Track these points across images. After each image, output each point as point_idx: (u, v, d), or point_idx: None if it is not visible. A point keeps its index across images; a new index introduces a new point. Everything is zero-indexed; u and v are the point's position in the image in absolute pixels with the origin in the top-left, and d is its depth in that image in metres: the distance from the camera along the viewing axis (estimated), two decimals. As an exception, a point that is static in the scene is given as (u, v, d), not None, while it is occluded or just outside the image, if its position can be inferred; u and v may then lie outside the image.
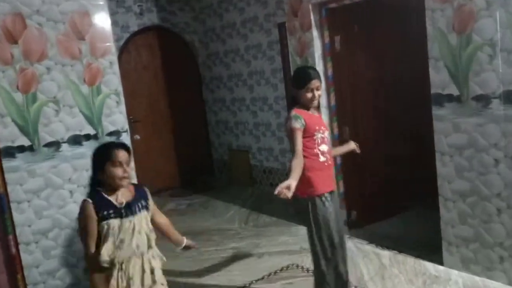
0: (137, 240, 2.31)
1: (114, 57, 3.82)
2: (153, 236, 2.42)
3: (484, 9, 2.91)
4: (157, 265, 2.41)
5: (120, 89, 3.86)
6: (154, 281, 2.36)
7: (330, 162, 2.90)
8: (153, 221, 2.47)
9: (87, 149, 3.64)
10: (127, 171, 2.32)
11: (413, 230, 4.18)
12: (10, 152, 3.37)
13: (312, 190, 2.81)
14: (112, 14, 5.81)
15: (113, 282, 2.27)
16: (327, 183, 2.87)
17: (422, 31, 3.29)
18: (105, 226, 2.26)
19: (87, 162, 3.59)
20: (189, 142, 6.90)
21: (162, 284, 2.43)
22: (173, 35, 6.61)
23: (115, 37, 5.39)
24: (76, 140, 3.63)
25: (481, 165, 3.10)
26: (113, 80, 3.82)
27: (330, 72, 4.22)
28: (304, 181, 2.78)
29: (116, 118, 3.84)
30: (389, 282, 3.35)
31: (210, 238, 4.66)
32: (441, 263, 3.46)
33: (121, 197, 2.34)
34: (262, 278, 3.64)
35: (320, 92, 2.89)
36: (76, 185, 3.64)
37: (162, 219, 2.58)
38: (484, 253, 3.20)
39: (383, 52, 4.34)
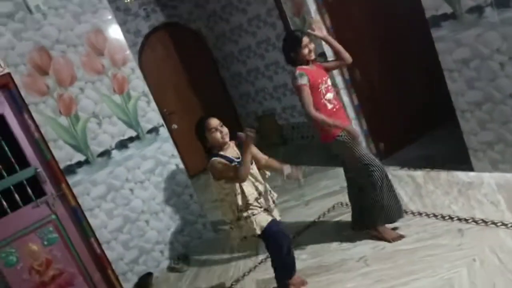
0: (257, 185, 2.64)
1: (134, 63, 3.83)
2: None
3: None
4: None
5: (146, 89, 3.88)
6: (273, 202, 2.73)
7: (337, 107, 2.93)
8: (257, 160, 2.72)
9: (134, 149, 3.74)
10: (222, 131, 2.56)
11: (440, 148, 4.04)
12: (71, 169, 3.48)
13: (330, 135, 2.87)
14: (123, 23, 5.81)
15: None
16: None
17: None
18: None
19: (137, 161, 3.76)
20: (219, 118, 6.72)
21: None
22: (180, 27, 6.49)
23: (130, 43, 5.38)
24: (122, 144, 3.70)
25: (489, 72, 2.96)
26: (138, 83, 3.84)
27: (329, 22, 4.07)
28: (321, 129, 2.89)
29: (151, 116, 3.88)
30: (427, 198, 3.31)
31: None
32: (471, 169, 3.38)
33: (230, 153, 2.59)
34: (314, 222, 3.63)
35: (312, 46, 2.89)
36: (133, 182, 3.74)
37: (263, 159, 2.79)
38: (509, 151, 3.09)
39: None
